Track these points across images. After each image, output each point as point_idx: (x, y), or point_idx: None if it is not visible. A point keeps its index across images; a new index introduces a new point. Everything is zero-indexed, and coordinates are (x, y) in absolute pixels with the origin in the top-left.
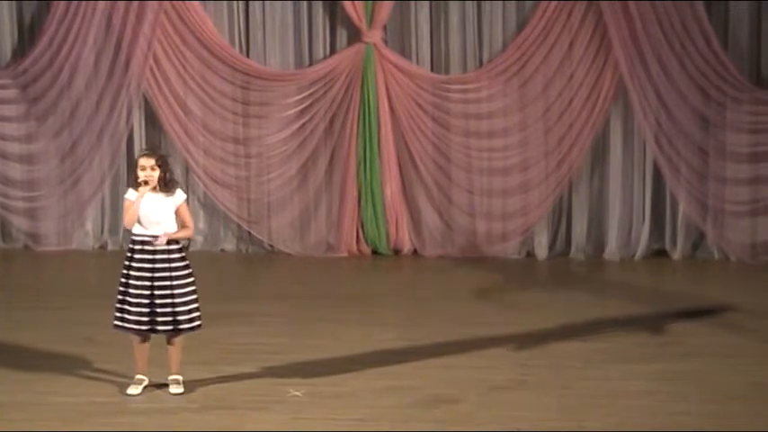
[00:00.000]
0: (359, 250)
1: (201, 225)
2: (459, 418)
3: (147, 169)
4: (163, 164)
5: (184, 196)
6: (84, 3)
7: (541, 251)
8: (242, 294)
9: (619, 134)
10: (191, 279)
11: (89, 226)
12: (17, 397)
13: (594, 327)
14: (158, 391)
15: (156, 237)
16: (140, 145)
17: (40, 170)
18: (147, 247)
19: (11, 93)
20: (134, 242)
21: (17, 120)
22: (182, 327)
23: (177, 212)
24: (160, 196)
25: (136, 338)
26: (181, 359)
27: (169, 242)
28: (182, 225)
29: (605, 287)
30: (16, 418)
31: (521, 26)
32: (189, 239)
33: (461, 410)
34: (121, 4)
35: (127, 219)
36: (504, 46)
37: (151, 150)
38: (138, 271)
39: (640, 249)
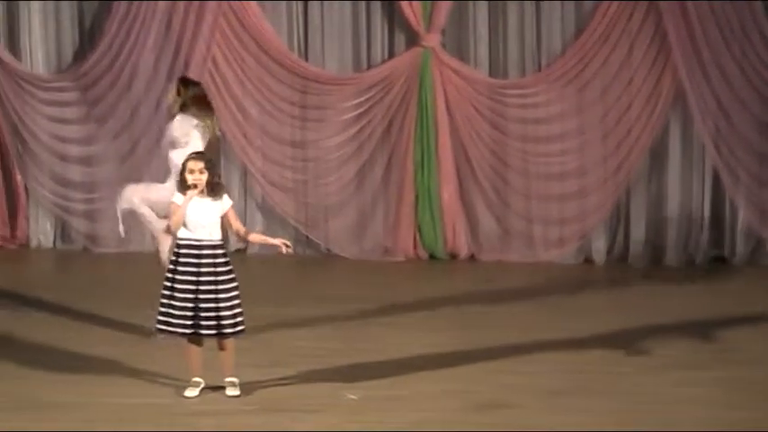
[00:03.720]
0: (416, 254)
1: (258, 228)
2: (513, 422)
3: (196, 172)
4: (210, 167)
5: (231, 202)
6: (144, 4)
7: (599, 256)
8: (298, 297)
9: (677, 139)
10: (235, 284)
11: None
12: (73, 398)
13: (651, 332)
14: (214, 394)
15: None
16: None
17: (99, 172)
18: (193, 251)
19: (71, 95)
20: (179, 246)
21: (77, 122)
22: (225, 331)
23: (225, 218)
24: (207, 200)
25: (184, 341)
26: (234, 362)
27: (215, 246)
28: (240, 231)
29: (663, 293)
30: (73, 418)
31: (580, 29)
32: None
33: (516, 415)
34: (181, 6)
35: (174, 222)
36: (563, 49)
37: (199, 154)
38: (183, 275)
39: (699, 255)
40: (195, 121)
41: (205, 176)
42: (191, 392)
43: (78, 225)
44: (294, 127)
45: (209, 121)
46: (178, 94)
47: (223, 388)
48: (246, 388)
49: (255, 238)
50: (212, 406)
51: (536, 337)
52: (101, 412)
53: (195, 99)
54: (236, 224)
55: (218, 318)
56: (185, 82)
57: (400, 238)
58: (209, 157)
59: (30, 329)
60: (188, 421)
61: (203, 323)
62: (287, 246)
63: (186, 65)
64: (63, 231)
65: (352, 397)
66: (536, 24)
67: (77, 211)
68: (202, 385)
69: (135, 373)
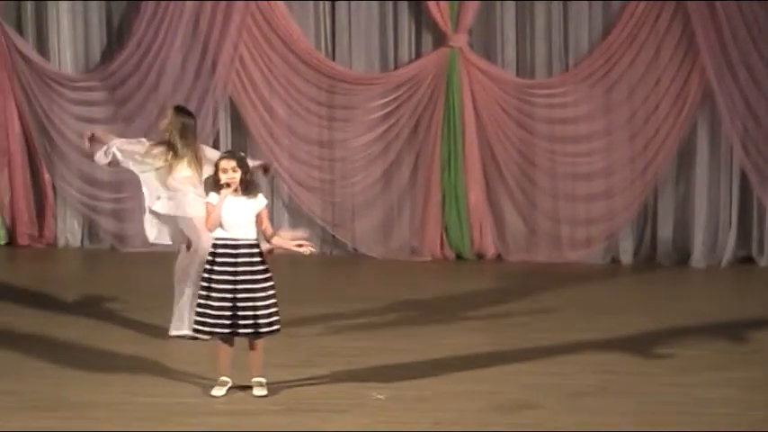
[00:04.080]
0: (442, 254)
1: (285, 227)
2: (539, 423)
3: (229, 171)
4: (243, 166)
5: (266, 201)
6: (172, 4)
7: (626, 257)
8: (325, 297)
9: (705, 140)
10: (271, 282)
11: None
12: (102, 396)
13: (678, 333)
14: (242, 393)
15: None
16: (226, 147)
17: (126, 172)
18: (229, 251)
19: (99, 95)
20: (216, 245)
21: (105, 122)
22: (262, 330)
23: (258, 217)
24: (242, 199)
25: (219, 341)
26: (263, 361)
27: (252, 245)
28: (267, 231)
29: (690, 294)
30: (101, 417)
31: (607, 29)
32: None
33: (542, 416)
34: (208, 5)
35: (209, 222)
36: (591, 49)
37: (231, 152)
38: (220, 275)
39: (726, 256)
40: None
41: (238, 175)
42: (217, 392)
43: (106, 224)
44: (321, 127)
45: (180, 159)
46: (170, 123)
47: (250, 388)
48: (274, 388)
49: (277, 241)
50: (239, 405)
51: (561, 338)
52: (128, 411)
53: (182, 130)
54: (266, 224)
55: (256, 317)
56: (178, 111)
57: (427, 238)
58: (240, 155)
59: (57, 329)
60: (215, 421)
61: (241, 322)
62: (309, 246)
63: (214, 65)
64: (90, 230)
65: (379, 397)
66: (563, 24)
67: (105, 211)
68: (229, 384)
69: (162, 372)
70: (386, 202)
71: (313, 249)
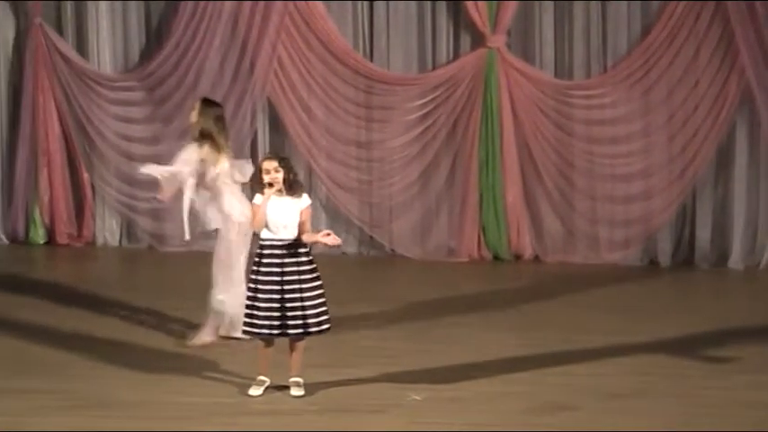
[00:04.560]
0: (480, 255)
1: (323, 228)
2: (576, 424)
3: (272, 171)
4: (286, 166)
5: (309, 201)
6: (210, 4)
7: (664, 258)
8: (362, 298)
9: (744, 142)
10: (319, 281)
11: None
12: (141, 396)
13: (717, 336)
14: (279, 393)
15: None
16: (264, 148)
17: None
18: (276, 251)
19: (138, 95)
20: (262, 246)
21: (143, 122)
22: (311, 329)
23: (300, 215)
24: (286, 199)
25: (261, 342)
26: (302, 362)
27: (298, 245)
28: (301, 228)
29: (728, 296)
30: (140, 416)
31: (646, 29)
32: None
33: (579, 417)
34: (247, 6)
35: (255, 222)
36: (629, 50)
37: (273, 153)
38: (267, 275)
39: (765, 258)
40: (198, 157)
41: (281, 175)
42: (255, 391)
43: (144, 224)
44: (359, 127)
45: (215, 153)
46: (200, 115)
47: (287, 387)
48: (311, 388)
49: (306, 237)
50: (276, 405)
51: (599, 340)
52: (165, 410)
53: (217, 120)
54: (303, 221)
55: (305, 316)
56: (208, 103)
57: (464, 239)
58: (282, 155)
59: (96, 328)
60: (252, 421)
61: (290, 323)
62: (335, 238)
63: (252, 65)
64: (129, 230)
65: (416, 398)
66: (602, 25)
67: (143, 210)
68: (267, 384)
69: (200, 371)
70: (423, 202)
71: (339, 242)
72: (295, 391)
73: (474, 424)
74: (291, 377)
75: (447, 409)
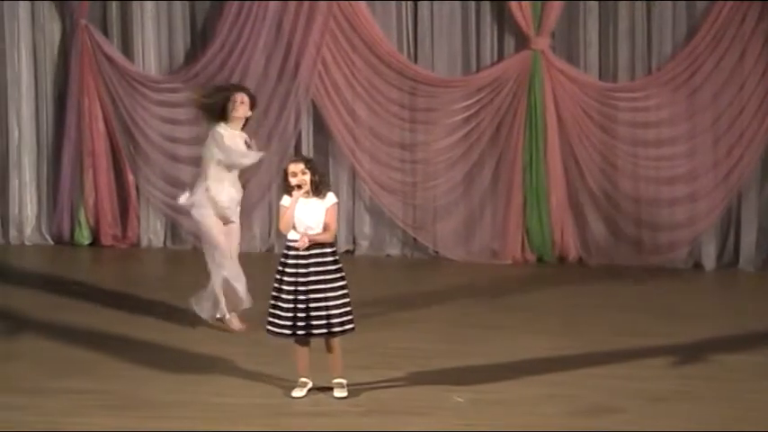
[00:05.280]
0: (523, 257)
1: (367, 230)
2: (620, 427)
3: (299, 174)
4: (312, 168)
5: (335, 200)
6: (255, 5)
7: (709, 262)
8: (406, 299)
9: None
10: (343, 282)
11: (256, 229)
12: (182, 396)
13: (762, 339)
14: (322, 395)
15: (294, 240)
16: (308, 149)
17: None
18: (302, 252)
19: (183, 96)
20: (289, 248)
21: (188, 123)
22: (335, 330)
23: (326, 214)
24: (314, 201)
25: (295, 342)
26: (343, 363)
27: (324, 245)
28: (326, 229)
29: None
30: (182, 417)
31: (691, 31)
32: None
33: (622, 420)
34: (291, 7)
35: (282, 224)
36: (674, 52)
37: (300, 155)
38: (291, 276)
39: None
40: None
41: (308, 177)
42: (298, 393)
43: (188, 225)
44: (403, 129)
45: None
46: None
47: (330, 389)
48: (354, 389)
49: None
50: (319, 407)
51: (644, 342)
52: (208, 411)
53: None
54: (327, 220)
55: (329, 317)
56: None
57: (508, 241)
58: (308, 157)
59: (140, 329)
60: (294, 422)
61: (314, 323)
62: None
63: (296, 67)
64: (173, 231)
65: (459, 400)
66: (647, 26)
67: (188, 211)
68: (309, 385)
69: (242, 372)
70: (467, 204)
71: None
72: (338, 393)
73: (517, 426)
74: (334, 378)
75: (490, 411)
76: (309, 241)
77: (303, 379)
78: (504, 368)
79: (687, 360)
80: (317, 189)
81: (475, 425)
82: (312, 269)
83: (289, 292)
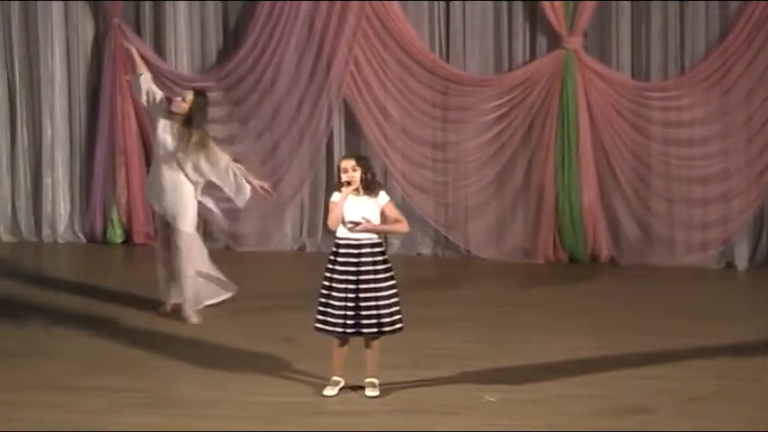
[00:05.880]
0: (555, 257)
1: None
2: (651, 427)
3: (349, 171)
4: (363, 165)
5: (388, 198)
6: (287, 5)
7: (742, 262)
8: (437, 299)
9: None
10: (393, 281)
11: (288, 227)
12: (215, 394)
13: None
14: (353, 394)
15: (357, 223)
16: (340, 148)
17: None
18: (351, 250)
19: (215, 95)
20: (338, 245)
21: (220, 121)
22: (385, 329)
23: (383, 213)
24: (363, 198)
25: (335, 341)
26: (378, 362)
27: (374, 244)
28: (390, 217)
29: None
30: (213, 415)
31: (724, 30)
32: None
33: (655, 421)
34: (323, 6)
35: (331, 219)
36: (707, 51)
37: (351, 152)
38: (342, 274)
39: None
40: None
41: (358, 174)
42: (330, 391)
43: (220, 223)
44: (435, 128)
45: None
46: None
47: (362, 388)
48: (385, 389)
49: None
50: (351, 406)
51: (676, 342)
52: (240, 409)
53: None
54: (393, 217)
55: (379, 316)
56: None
57: (540, 240)
58: (360, 154)
59: (173, 327)
60: (326, 421)
61: (364, 322)
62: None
63: (328, 66)
64: (205, 230)
65: (491, 399)
66: (680, 26)
67: (220, 210)
68: (341, 384)
69: (274, 371)
70: (499, 203)
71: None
72: (370, 392)
73: (548, 426)
74: (367, 377)
75: (521, 410)
76: (377, 231)
77: (336, 377)
78: (534, 368)
79: (719, 360)
80: (368, 187)
81: (505, 425)
82: (363, 267)
83: (340, 290)
